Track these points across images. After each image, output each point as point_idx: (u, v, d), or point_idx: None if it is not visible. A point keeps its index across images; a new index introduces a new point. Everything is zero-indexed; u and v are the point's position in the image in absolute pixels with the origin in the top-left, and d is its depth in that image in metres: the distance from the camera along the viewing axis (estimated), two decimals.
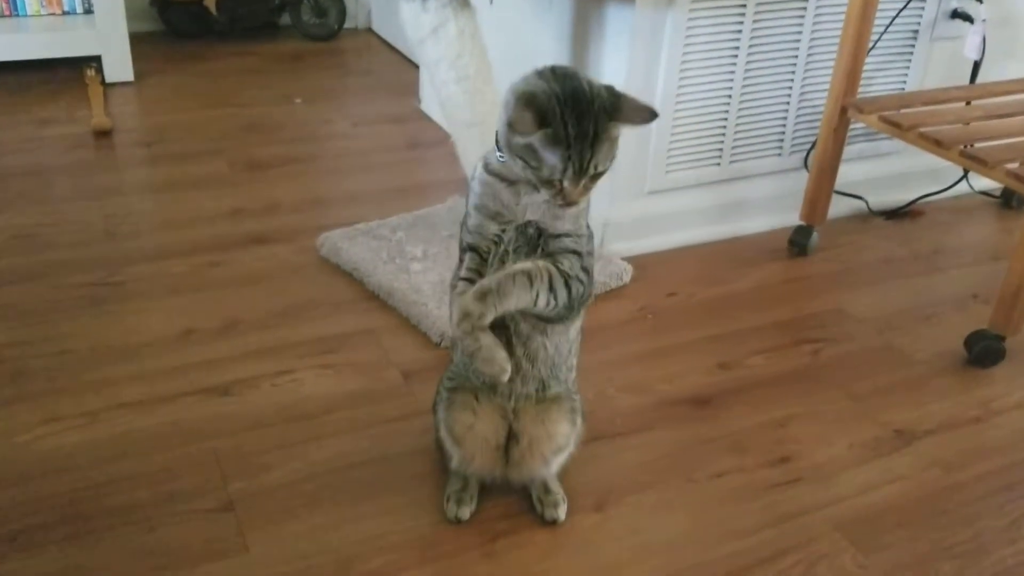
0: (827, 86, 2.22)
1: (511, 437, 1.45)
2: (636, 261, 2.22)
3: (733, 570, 1.43)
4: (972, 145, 1.96)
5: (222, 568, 1.39)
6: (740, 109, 2.30)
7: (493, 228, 1.33)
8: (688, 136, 2.28)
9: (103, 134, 2.81)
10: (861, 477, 1.63)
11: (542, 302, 1.28)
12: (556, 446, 1.47)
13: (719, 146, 2.33)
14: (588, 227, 1.37)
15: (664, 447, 1.69)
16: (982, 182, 2.62)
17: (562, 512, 1.50)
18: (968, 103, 2.25)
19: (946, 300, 2.20)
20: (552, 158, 1.20)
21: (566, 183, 1.21)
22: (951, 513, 1.57)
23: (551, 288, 1.29)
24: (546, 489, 1.52)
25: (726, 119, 2.30)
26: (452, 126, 2.11)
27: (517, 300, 1.26)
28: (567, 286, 1.30)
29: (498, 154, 1.28)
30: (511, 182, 1.29)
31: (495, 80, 2.04)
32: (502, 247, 1.33)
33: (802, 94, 2.37)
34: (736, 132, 2.33)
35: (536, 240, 1.31)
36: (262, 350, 1.88)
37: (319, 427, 1.68)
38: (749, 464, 1.65)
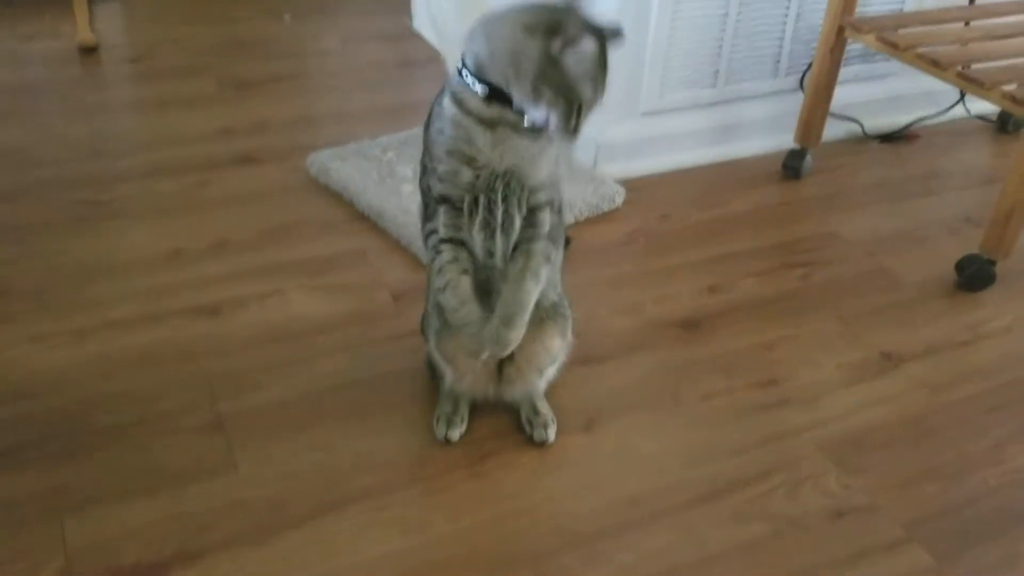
0: (825, 5, 2.18)
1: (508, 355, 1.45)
2: (629, 183, 2.20)
3: (717, 489, 1.45)
4: (969, 66, 1.93)
5: (211, 486, 1.40)
6: (736, 29, 2.26)
7: (467, 174, 1.27)
8: (683, 56, 2.24)
9: (88, 50, 2.76)
10: (847, 399, 1.64)
11: (545, 276, 1.35)
12: (551, 358, 1.49)
13: (714, 67, 2.29)
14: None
15: (653, 369, 1.69)
16: (978, 106, 2.59)
17: (551, 433, 1.51)
18: (967, 24, 2.20)
19: (939, 224, 2.19)
20: (588, 85, 1.17)
21: (588, 110, 1.20)
22: (936, 435, 1.58)
23: (548, 260, 1.35)
24: (535, 410, 1.52)
25: (722, 39, 2.26)
26: (444, 43, 2.07)
27: (534, 299, 1.34)
28: (553, 242, 1.35)
29: (478, 87, 1.21)
30: (491, 124, 1.23)
31: None
32: (480, 196, 1.29)
33: (799, 13, 2.32)
34: (732, 52, 2.29)
35: (520, 192, 1.30)
36: (251, 270, 1.87)
37: (309, 347, 1.68)
38: (736, 386, 1.66)
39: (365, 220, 2.04)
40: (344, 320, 1.75)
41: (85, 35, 2.77)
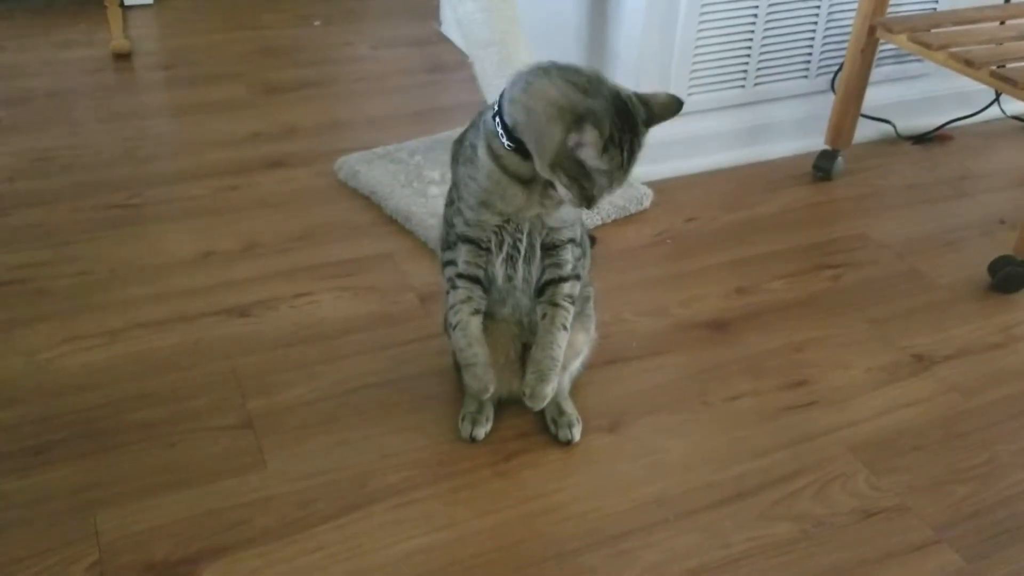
0: (856, 5, 2.16)
1: (527, 351, 1.45)
2: (656, 185, 2.20)
3: (745, 490, 1.44)
4: (1004, 65, 1.91)
5: (240, 483, 1.41)
6: (766, 29, 2.25)
7: (496, 220, 1.31)
8: (711, 57, 2.23)
9: (122, 57, 2.80)
10: (877, 401, 1.63)
11: (571, 322, 1.39)
12: (574, 352, 1.49)
13: (743, 68, 2.28)
14: None
15: (680, 370, 1.69)
16: (1014, 106, 2.56)
17: (576, 432, 1.51)
18: (1002, 23, 2.18)
19: (972, 225, 2.17)
20: (603, 180, 1.19)
21: (601, 195, 1.22)
22: (967, 437, 1.56)
23: (574, 303, 1.39)
24: (560, 410, 1.52)
25: (751, 39, 2.25)
26: (470, 47, 2.07)
27: (564, 348, 1.38)
28: (577, 279, 1.39)
29: (506, 143, 1.23)
30: (526, 181, 1.26)
31: None
32: (506, 237, 1.33)
33: (830, 13, 2.31)
34: (761, 53, 2.28)
35: (541, 227, 1.34)
36: (280, 272, 1.89)
37: (336, 348, 1.69)
38: (764, 387, 1.65)
39: (392, 223, 2.05)
40: (371, 321, 1.76)
41: (119, 42, 2.81)
